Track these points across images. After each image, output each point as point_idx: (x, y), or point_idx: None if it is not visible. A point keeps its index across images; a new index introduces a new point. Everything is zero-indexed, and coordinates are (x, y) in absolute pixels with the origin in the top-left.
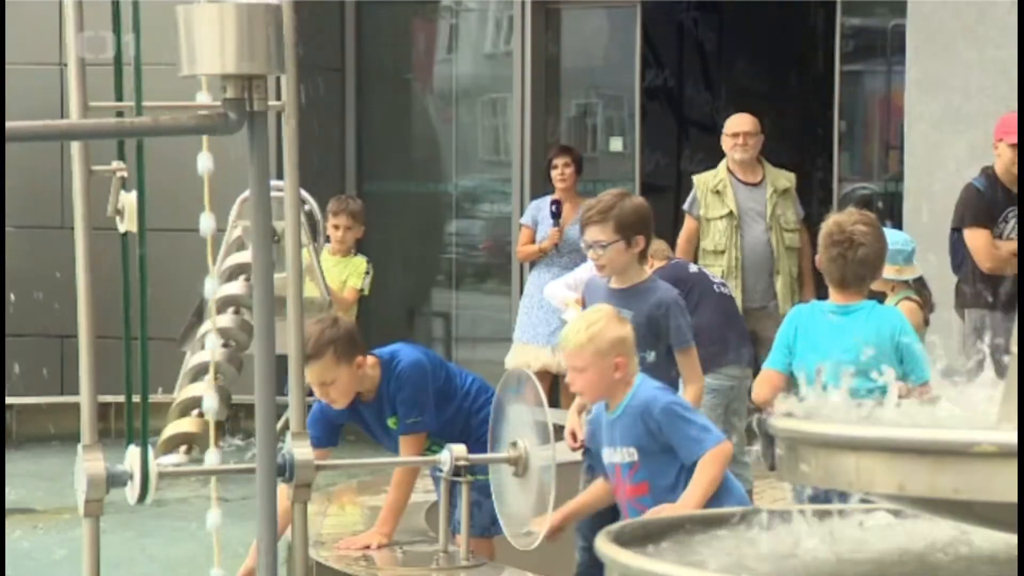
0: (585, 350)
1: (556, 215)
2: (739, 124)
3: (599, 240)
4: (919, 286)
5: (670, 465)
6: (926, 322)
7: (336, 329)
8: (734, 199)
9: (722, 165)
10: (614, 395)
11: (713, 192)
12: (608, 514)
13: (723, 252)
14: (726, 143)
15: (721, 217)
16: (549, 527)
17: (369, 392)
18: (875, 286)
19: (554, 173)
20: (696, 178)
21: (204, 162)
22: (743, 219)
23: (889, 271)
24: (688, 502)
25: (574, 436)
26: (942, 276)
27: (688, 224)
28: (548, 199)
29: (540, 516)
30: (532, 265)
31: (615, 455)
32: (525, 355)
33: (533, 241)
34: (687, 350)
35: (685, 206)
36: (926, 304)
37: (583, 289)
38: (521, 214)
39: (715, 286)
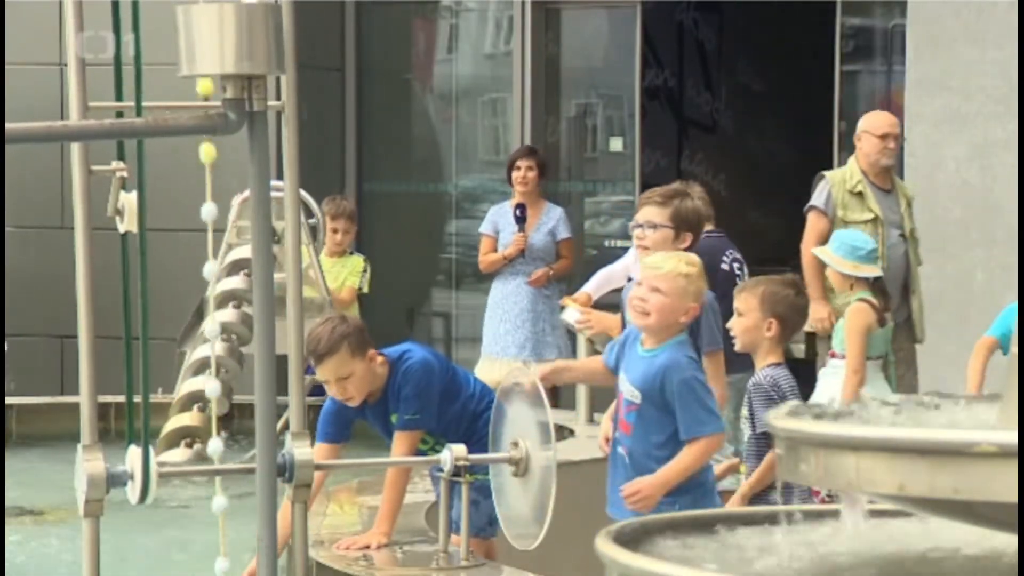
0: (677, 278)
1: (521, 219)
2: (888, 124)
3: (651, 220)
4: (878, 288)
5: (664, 425)
6: (880, 323)
7: (346, 325)
8: (877, 204)
9: (854, 166)
10: (666, 334)
11: (852, 193)
12: None
13: None
14: (872, 145)
15: (864, 222)
16: (541, 374)
17: (376, 392)
18: (837, 287)
19: (515, 175)
20: (829, 175)
21: (208, 210)
22: (886, 227)
23: (846, 266)
24: (664, 477)
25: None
26: (942, 275)
27: (819, 224)
28: (507, 204)
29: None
30: (495, 274)
31: (623, 384)
32: (493, 370)
33: (495, 250)
34: (715, 353)
35: (818, 203)
36: (882, 307)
37: (594, 288)
38: None
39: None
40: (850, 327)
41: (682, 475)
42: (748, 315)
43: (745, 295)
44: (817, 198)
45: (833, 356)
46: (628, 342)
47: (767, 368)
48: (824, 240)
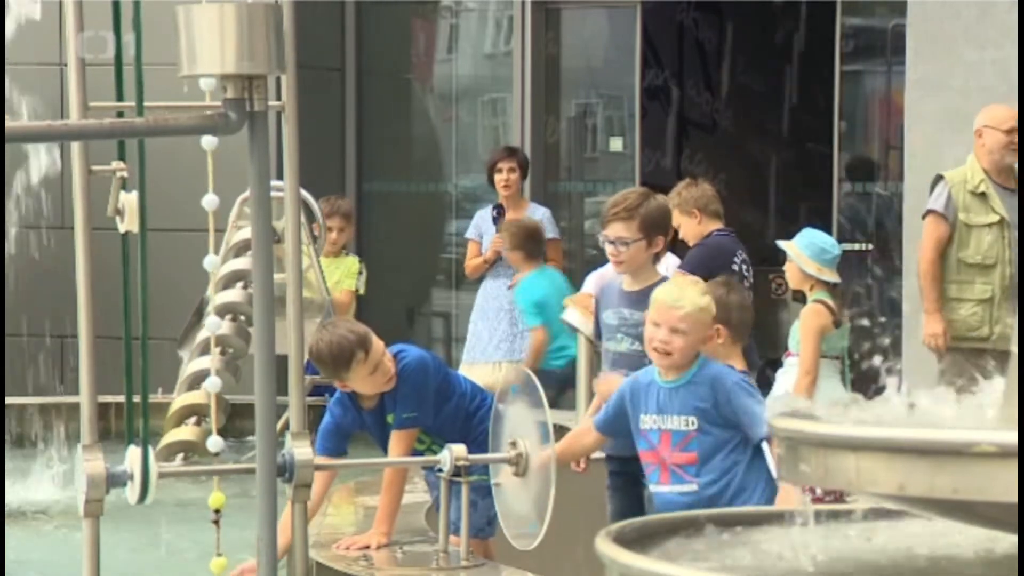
0: (699, 315)
1: (498, 221)
2: (1013, 116)
3: (622, 237)
4: (836, 292)
5: (725, 439)
6: (836, 324)
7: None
8: (1002, 204)
9: (975, 164)
10: (686, 367)
11: (974, 194)
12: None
13: (992, 267)
14: (996, 140)
15: (989, 225)
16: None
17: (373, 397)
18: (793, 284)
19: (498, 177)
20: (949, 175)
21: (208, 140)
22: (1012, 229)
23: (810, 266)
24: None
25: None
26: None
27: (940, 229)
28: (491, 208)
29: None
30: (483, 278)
31: (667, 422)
32: (473, 374)
33: (480, 255)
34: None
35: (937, 206)
36: (839, 309)
37: (595, 290)
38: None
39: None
40: (805, 328)
41: None
42: None
43: None
44: (935, 201)
45: (789, 355)
46: (638, 387)
47: None
48: (943, 247)
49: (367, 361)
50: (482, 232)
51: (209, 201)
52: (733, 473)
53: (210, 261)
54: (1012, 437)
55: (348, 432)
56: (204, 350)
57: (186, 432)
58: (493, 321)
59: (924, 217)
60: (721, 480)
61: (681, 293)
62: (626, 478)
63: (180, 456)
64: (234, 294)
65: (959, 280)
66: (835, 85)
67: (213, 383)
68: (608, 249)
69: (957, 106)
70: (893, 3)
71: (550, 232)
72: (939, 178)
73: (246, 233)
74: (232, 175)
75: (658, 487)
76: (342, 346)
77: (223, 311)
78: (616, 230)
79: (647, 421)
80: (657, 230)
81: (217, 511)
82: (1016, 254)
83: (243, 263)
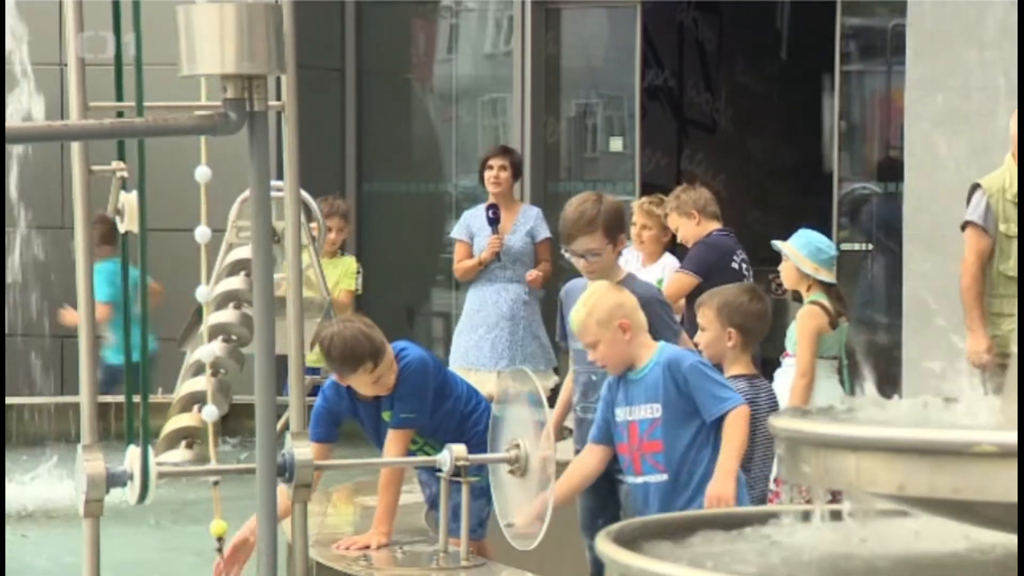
0: (588, 325)
1: (494, 221)
2: None
3: (592, 249)
4: (833, 293)
5: (689, 425)
6: (832, 325)
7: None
8: None
9: (1014, 169)
10: (637, 358)
11: (1014, 203)
12: (611, 514)
13: None
14: None
15: None
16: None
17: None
18: (789, 284)
19: (487, 175)
20: (986, 183)
21: (202, 172)
22: None
23: (808, 266)
24: (726, 467)
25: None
26: (943, 276)
27: (980, 242)
28: (481, 207)
29: (532, 517)
30: (473, 281)
31: (633, 413)
32: (471, 383)
33: (470, 256)
34: (676, 343)
35: (975, 217)
36: (836, 311)
37: (563, 296)
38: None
39: None
40: (801, 329)
41: (737, 454)
42: (709, 329)
43: (703, 309)
44: (973, 211)
45: (786, 356)
46: (612, 385)
47: (729, 380)
48: (985, 260)
49: (373, 372)
50: (473, 233)
51: (201, 234)
52: (698, 461)
53: (202, 292)
54: (1012, 437)
55: (339, 418)
56: (198, 370)
57: (188, 419)
58: (495, 328)
59: (963, 229)
60: (687, 469)
61: (576, 313)
62: None
63: (184, 442)
64: (236, 281)
65: (1001, 294)
66: (835, 85)
67: (203, 379)
68: (579, 263)
69: (957, 106)
70: (893, 3)
71: (542, 232)
72: (976, 187)
73: (243, 253)
74: (232, 175)
75: (634, 478)
76: (354, 350)
77: (226, 299)
78: (584, 244)
79: (620, 414)
80: (617, 230)
81: (220, 539)
82: None
83: (246, 252)
